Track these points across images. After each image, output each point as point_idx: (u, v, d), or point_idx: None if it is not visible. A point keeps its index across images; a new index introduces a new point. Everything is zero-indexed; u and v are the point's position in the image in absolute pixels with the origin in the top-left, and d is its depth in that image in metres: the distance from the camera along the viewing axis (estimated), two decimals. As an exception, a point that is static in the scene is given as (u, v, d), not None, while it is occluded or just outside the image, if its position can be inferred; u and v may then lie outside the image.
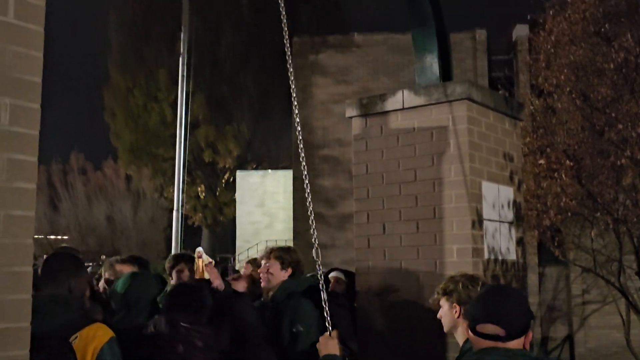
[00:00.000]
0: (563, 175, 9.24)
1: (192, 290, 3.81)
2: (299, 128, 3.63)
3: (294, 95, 3.61)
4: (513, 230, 5.24)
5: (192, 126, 24.44)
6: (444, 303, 3.23)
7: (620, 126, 8.71)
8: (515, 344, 2.44)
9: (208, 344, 3.52)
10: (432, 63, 5.17)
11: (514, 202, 5.31)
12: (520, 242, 5.35)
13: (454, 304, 3.17)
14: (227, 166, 30.91)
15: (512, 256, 5.19)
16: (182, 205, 17.65)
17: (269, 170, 27.10)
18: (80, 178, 27.48)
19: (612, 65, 8.93)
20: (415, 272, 4.83)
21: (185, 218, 20.14)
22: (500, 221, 5.05)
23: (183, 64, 16.82)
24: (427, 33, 5.17)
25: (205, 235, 32.78)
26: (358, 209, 5.24)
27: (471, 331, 2.52)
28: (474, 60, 18.52)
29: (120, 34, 30.74)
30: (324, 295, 3.21)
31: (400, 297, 4.90)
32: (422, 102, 4.93)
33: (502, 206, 5.11)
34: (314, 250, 3.31)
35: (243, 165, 30.54)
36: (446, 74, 5.18)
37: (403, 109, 5.03)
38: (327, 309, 3.23)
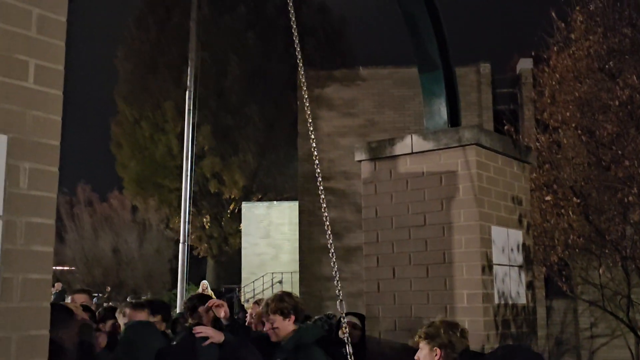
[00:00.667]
0: (570, 212, 9.23)
1: (200, 340, 3.85)
2: (318, 164, 3.71)
3: (311, 127, 3.67)
4: (523, 274, 5.23)
5: (198, 157, 24.55)
6: (424, 346, 3.40)
7: (626, 162, 8.71)
8: None
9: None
10: (440, 108, 5.21)
11: (524, 245, 5.31)
12: (530, 285, 5.34)
13: (435, 348, 3.34)
14: (232, 196, 30.94)
15: (522, 300, 5.17)
16: (188, 236, 17.63)
17: (275, 202, 27.10)
18: (87, 209, 27.48)
19: (617, 102, 8.96)
20: (426, 317, 4.81)
21: (190, 248, 20.10)
22: (510, 265, 5.04)
23: (190, 98, 16.92)
24: (435, 78, 5.22)
25: (210, 265, 32.69)
26: (367, 253, 5.25)
27: None
28: (478, 94, 18.61)
29: (128, 67, 31.05)
30: (349, 349, 3.25)
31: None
32: (431, 147, 4.97)
33: (512, 250, 5.11)
34: (338, 303, 3.49)
35: (248, 195, 30.58)
36: (454, 119, 5.22)
37: (412, 153, 5.07)
38: None
